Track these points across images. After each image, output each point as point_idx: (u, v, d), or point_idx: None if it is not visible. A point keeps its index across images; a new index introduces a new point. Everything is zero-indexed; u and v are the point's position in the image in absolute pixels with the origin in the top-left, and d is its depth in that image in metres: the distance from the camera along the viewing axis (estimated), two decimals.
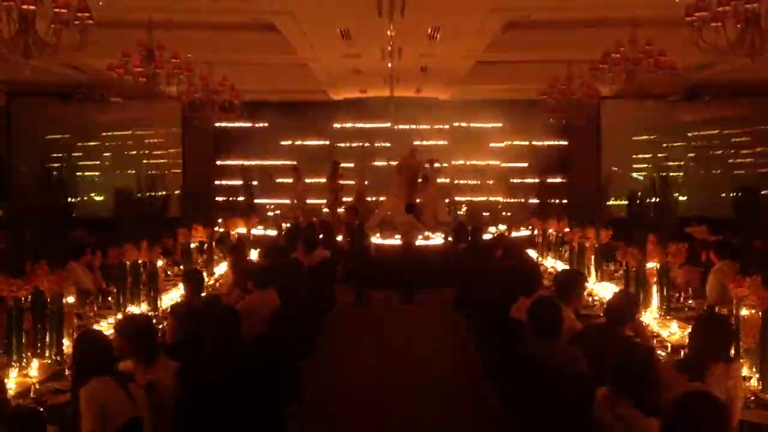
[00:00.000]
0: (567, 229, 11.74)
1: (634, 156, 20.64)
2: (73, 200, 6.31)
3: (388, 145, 20.99)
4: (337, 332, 11.50)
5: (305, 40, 12.88)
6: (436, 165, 18.50)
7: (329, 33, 12.38)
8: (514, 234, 16.34)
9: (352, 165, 19.99)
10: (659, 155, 19.60)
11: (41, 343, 5.93)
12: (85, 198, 19.01)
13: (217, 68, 14.85)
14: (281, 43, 13.13)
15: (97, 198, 19.60)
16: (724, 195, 19.27)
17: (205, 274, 9.52)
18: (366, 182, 19.58)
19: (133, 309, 7.82)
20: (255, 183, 13.46)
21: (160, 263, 8.58)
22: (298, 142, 20.54)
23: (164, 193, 8.70)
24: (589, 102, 14.19)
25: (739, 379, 4.71)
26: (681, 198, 8.36)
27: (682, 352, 5.60)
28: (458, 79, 17.05)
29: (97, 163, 20.24)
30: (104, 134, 20.08)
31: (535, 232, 14.20)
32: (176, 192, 10.26)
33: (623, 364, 4.24)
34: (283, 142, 20.52)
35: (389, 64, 14.64)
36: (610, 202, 10.20)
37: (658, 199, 7.83)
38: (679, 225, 9.19)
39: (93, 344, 4.51)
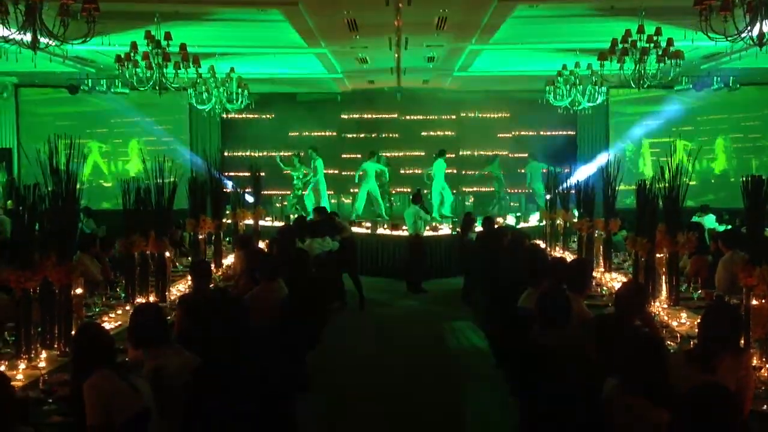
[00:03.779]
0: (575, 220, 11.70)
1: (642, 143, 20.61)
2: (81, 187, 6.30)
3: (396, 135, 20.95)
4: (344, 321, 11.53)
5: (312, 31, 12.84)
6: None
7: (336, 23, 12.34)
8: (522, 224, 16.33)
9: (359, 156, 19.92)
10: (667, 139, 19.57)
11: (50, 335, 5.94)
12: (94, 185, 19.13)
13: (224, 60, 14.89)
14: (288, 34, 13.10)
15: (106, 184, 19.71)
16: (733, 179, 19.29)
17: (212, 265, 9.53)
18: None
19: (142, 300, 7.83)
20: (262, 174, 13.44)
21: (167, 254, 8.57)
22: (306, 134, 20.50)
23: (173, 180, 8.67)
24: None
25: (749, 370, 4.68)
26: (691, 183, 8.26)
27: (692, 342, 5.58)
28: (465, 69, 17.01)
29: (106, 149, 20.33)
30: (112, 121, 20.11)
31: (543, 222, 14.17)
32: (185, 177, 10.23)
33: (632, 354, 4.23)
34: (290, 134, 20.51)
35: (396, 55, 14.60)
36: (620, 188, 10.12)
37: (667, 187, 7.77)
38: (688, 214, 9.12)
39: (93, 337, 4.49)
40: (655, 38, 11.10)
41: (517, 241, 10.04)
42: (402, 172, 20.16)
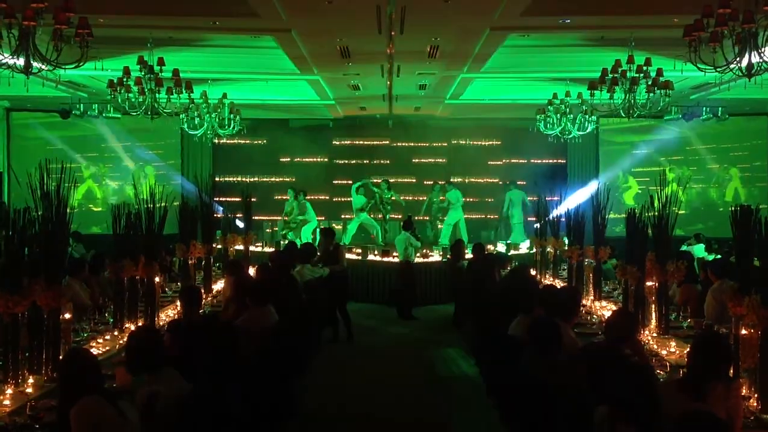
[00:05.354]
0: (565, 247, 11.72)
1: (631, 172, 20.69)
2: (72, 211, 6.27)
3: (387, 162, 21.01)
4: (334, 348, 11.47)
5: (305, 57, 12.91)
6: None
7: (329, 51, 12.41)
8: (512, 252, 16.34)
9: (350, 182, 19.93)
10: (657, 168, 19.65)
11: (37, 360, 5.89)
12: (84, 209, 19.06)
13: (217, 85, 14.94)
14: (281, 61, 13.16)
15: (95, 209, 19.65)
16: (722, 209, 19.34)
17: (202, 290, 9.49)
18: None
19: (130, 326, 7.78)
20: (253, 200, 13.43)
21: (157, 279, 8.54)
22: (297, 159, 20.54)
23: (163, 204, 8.65)
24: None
25: (739, 399, 4.69)
26: (680, 212, 8.30)
27: (681, 372, 5.58)
28: (457, 97, 17.11)
29: (96, 173, 20.28)
30: (103, 145, 20.09)
31: (534, 250, 14.18)
32: (175, 203, 10.18)
33: (622, 383, 4.22)
34: (282, 159, 20.54)
35: (388, 82, 14.69)
36: (609, 216, 10.14)
37: (656, 216, 7.80)
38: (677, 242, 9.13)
39: (81, 362, 4.45)
40: (644, 68, 11.20)
41: (510, 269, 10.06)
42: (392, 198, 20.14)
